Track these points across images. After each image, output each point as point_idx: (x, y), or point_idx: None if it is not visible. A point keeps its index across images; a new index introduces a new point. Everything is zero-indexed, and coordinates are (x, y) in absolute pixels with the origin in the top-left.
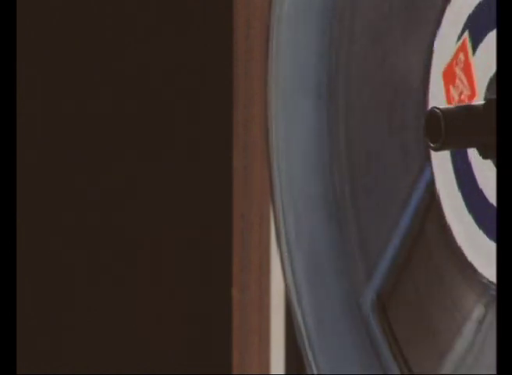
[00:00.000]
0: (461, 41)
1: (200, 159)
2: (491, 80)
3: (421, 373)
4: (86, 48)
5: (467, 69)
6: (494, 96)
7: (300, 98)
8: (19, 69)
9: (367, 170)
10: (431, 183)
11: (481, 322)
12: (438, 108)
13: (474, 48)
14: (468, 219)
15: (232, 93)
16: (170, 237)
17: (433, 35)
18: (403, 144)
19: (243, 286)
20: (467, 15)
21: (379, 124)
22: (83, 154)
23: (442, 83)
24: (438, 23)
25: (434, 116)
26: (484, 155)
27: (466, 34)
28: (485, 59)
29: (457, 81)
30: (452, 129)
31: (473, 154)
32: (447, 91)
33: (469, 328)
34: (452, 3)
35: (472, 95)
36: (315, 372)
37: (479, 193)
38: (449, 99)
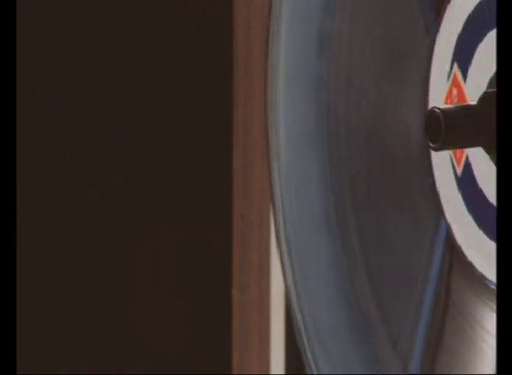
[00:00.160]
0: (452, 76)
1: (200, 159)
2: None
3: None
4: (86, 47)
5: (461, 101)
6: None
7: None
8: (19, 69)
9: (379, 248)
10: (448, 238)
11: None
12: (438, 108)
13: (465, 76)
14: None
15: (232, 93)
16: (170, 237)
17: (425, 101)
18: (415, 218)
19: (243, 286)
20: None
21: (389, 206)
22: (83, 154)
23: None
24: (426, 82)
25: (434, 115)
26: (489, 152)
27: (455, 67)
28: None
29: None
30: (452, 129)
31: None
32: None
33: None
34: (452, 3)
35: None
36: (315, 372)
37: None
38: None
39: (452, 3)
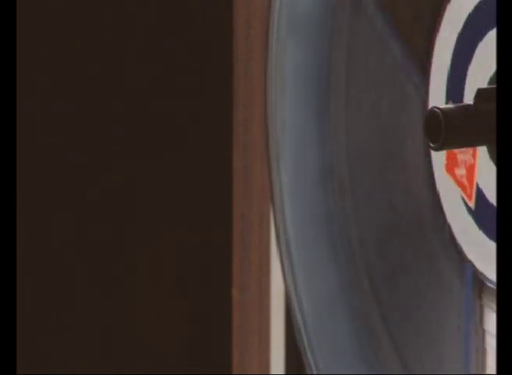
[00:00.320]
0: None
1: (200, 159)
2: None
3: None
4: (86, 47)
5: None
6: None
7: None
8: (19, 69)
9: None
10: (475, 278)
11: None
12: (438, 108)
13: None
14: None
15: (232, 93)
16: (170, 237)
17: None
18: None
19: (243, 286)
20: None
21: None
22: (83, 154)
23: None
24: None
25: (434, 115)
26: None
27: None
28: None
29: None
30: (452, 129)
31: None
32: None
33: None
34: (452, 3)
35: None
36: (315, 372)
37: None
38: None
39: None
